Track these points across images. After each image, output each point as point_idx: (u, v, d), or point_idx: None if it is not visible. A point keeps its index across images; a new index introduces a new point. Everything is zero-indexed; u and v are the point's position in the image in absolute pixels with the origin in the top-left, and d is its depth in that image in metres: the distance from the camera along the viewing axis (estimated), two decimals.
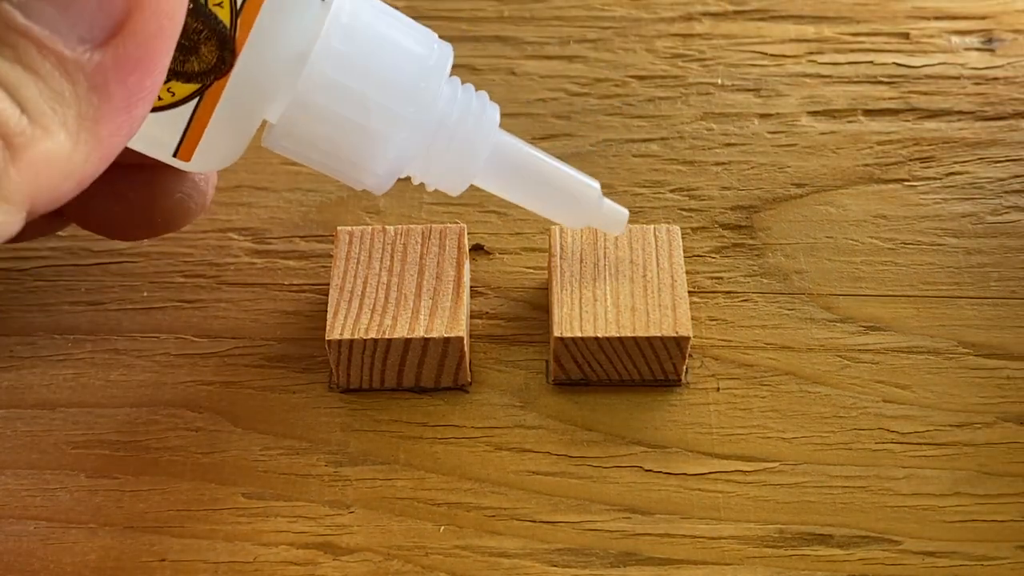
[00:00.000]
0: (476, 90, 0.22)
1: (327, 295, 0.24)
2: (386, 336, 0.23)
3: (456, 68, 0.21)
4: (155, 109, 0.18)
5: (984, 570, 0.22)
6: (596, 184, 0.23)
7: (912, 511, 0.23)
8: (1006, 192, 0.28)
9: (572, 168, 0.23)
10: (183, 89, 0.19)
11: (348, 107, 0.20)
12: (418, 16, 0.33)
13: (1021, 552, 0.22)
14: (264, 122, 0.20)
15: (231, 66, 0.19)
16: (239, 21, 0.18)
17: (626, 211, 0.24)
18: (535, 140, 0.30)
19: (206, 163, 0.20)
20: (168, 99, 0.19)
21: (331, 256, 0.26)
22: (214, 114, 0.19)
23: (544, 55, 0.32)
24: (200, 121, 0.19)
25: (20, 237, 0.25)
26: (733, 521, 0.23)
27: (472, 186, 0.23)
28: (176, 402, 0.24)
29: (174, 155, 0.20)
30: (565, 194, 0.23)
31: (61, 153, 0.16)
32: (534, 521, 0.23)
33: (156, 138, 0.19)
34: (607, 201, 0.24)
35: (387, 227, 0.25)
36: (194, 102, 0.19)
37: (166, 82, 0.18)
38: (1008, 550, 0.22)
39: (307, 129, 0.20)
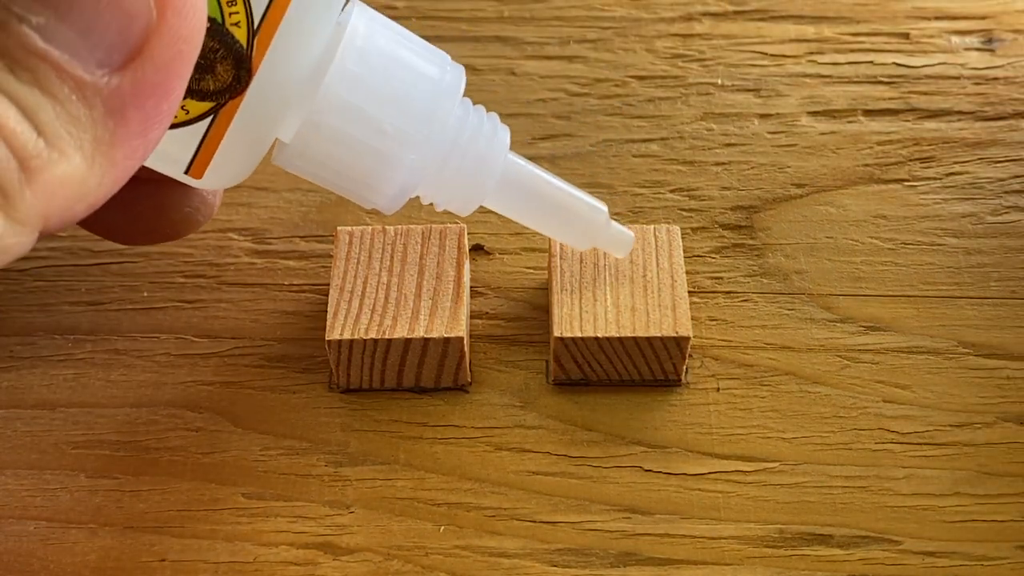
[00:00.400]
0: (487, 110, 0.22)
1: (327, 295, 0.24)
2: (386, 336, 0.23)
3: None
4: (169, 126, 0.19)
5: (984, 570, 0.22)
6: (604, 207, 0.24)
7: (912, 511, 0.23)
8: (1006, 192, 0.28)
9: (580, 191, 0.23)
10: (198, 107, 0.19)
11: (361, 129, 0.20)
12: (418, 16, 0.33)
13: (1021, 552, 0.22)
14: (275, 140, 0.21)
15: (247, 85, 0.19)
16: (256, 41, 0.18)
17: (632, 234, 0.24)
18: (535, 140, 0.30)
19: (217, 180, 0.20)
20: (182, 116, 0.19)
21: (331, 256, 0.26)
22: (227, 132, 0.19)
23: (544, 55, 0.32)
24: (213, 139, 0.19)
25: None
26: (733, 521, 0.23)
27: None
28: (176, 402, 0.24)
29: (186, 172, 0.20)
30: (573, 216, 0.23)
31: (76, 176, 0.16)
32: (534, 521, 0.23)
33: (169, 155, 0.19)
34: (614, 224, 0.24)
35: (387, 227, 0.25)
36: (208, 120, 0.19)
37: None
38: (1008, 550, 0.22)
39: (320, 150, 0.20)
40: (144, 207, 0.23)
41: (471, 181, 0.22)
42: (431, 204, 0.22)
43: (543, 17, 0.33)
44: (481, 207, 0.23)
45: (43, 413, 0.24)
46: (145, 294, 0.26)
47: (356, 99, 0.20)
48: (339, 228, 0.25)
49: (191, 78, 0.18)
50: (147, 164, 0.19)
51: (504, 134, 0.22)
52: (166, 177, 0.20)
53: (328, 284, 0.25)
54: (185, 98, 0.18)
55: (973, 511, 0.23)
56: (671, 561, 0.22)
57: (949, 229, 0.27)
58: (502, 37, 0.32)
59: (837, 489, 0.23)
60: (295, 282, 0.27)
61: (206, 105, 0.19)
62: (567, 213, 0.23)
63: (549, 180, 0.23)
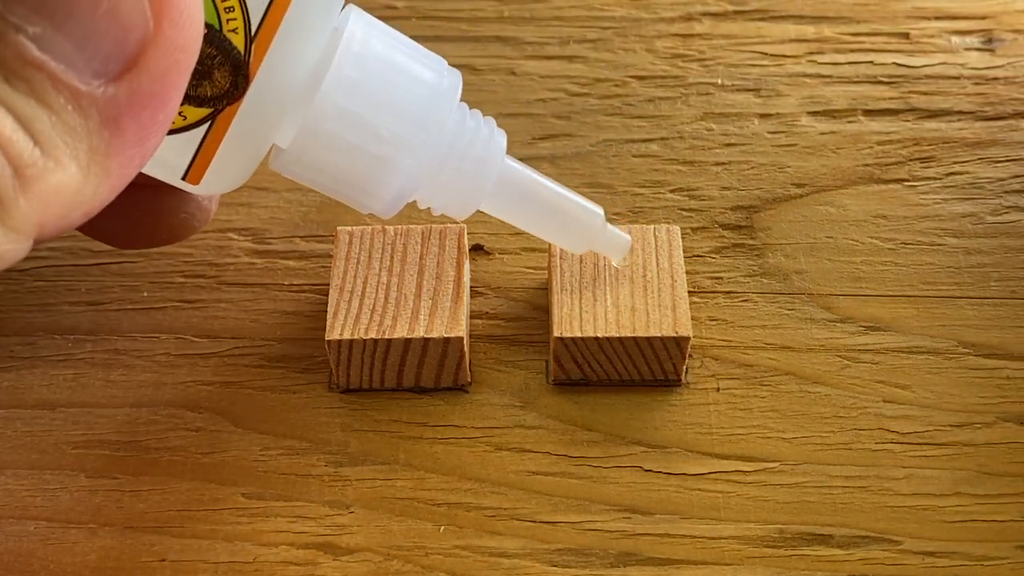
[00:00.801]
0: (487, 111, 0.22)
1: (327, 295, 0.24)
2: (386, 336, 0.23)
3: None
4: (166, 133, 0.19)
5: (984, 570, 0.22)
6: (600, 210, 0.24)
7: (912, 511, 0.23)
8: (1006, 192, 0.28)
9: (576, 194, 0.23)
10: (195, 113, 0.19)
11: (358, 134, 0.20)
12: (418, 16, 0.33)
13: (1021, 552, 0.22)
14: (272, 145, 0.21)
15: (244, 91, 0.19)
16: (253, 47, 0.18)
17: (629, 237, 0.24)
18: (535, 140, 0.30)
19: (214, 186, 0.20)
20: (180, 123, 0.19)
21: (331, 256, 0.26)
22: (225, 138, 0.19)
23: (544, 55, 0.32)
24: (211, 145, 0.19)
25: None
26: (733, 521, 0.23)
27: None
28: (176, 402, 0.24)
29: (183, 178, 0.20)
30: (569, 220, 0.23)
31: (71, 185, 0.16)
32: (534, 521, 0.23)
33: (166, 161, 0.19)
34: (610, 227, 0.24)
35: (387, 227, 0.25)
36: (205, 126, 0.19)
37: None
38: (1008, 550, 0.22)
39: (317, 156, 0.20)
40: (140, 212, 0.23)
41: (468, 185, 0.22)
42: (428, 208, 0.23)
43: (543, 17, 0.33)
44: (477, 211, 0.23)
45: (43, 413, 0.24)
46: (145, 294, 0.26)
47: (353, 105, 0.20)
48: (339, 228, 0.25)
49: (189, 84, 0.18)
50: (144, 170, 0.19)
51: (501, 138, 0.22)
52: (162, 183, 0.20)
53: (328, 284, 0.25)
54: (183, 104, 0.18)
55: (973, 511, 0.23)
56: (671, 561, 0.22)
57: (949, 229, 0.27)
58: (502, 37, 0.32)
59: (837, 489, 0.23)
60: (295, 282, 0.27)
61: (204, 111, 0.19)
62: (563, 217, 0.23)
63: (545, 184, 0.23)
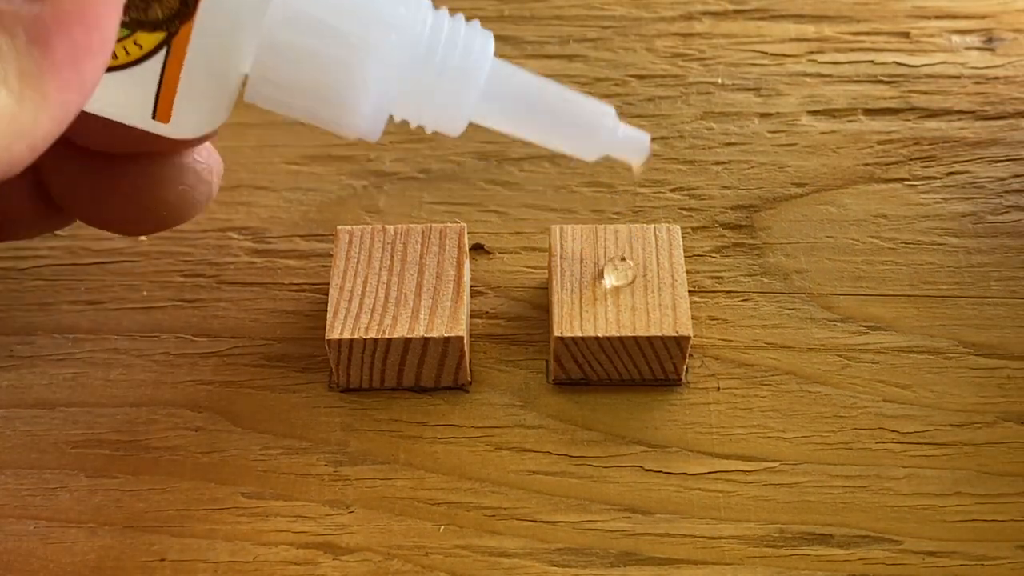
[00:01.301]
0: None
1: (327, 295, 0.24)
2: (386, 336, 0.23)
3: None
4: (124, 66, 0.18)
5: (984, 570, 0.22)
6: (611, 109, 0.21)
7: (912, 511, 0.23)
8: (1006, 192, 0.28)
9: (582, 94, 0.21)
10: (149, 40, 0.18)
11: (320, 40, 0.19)
12: None
13: (1021, 552, 0.22)
14: (244, 79, 0.20)
15: (195, 7, 0.18)
16: None
17: (647, 135, 0.22)
18: None
19: (187, 124, 0.19)
20: (136, 53, 0.18)
21: (331, 256, 0.26)
22: (184, 64, 0.18)
23: (544, 55, 0.32)
24: (171, 75, 0.18)
25: (19, 235, 0.25)
26: (733, 521, 0.23)
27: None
28: (176, 402, 0.24)
29: (153, 118, 0.19)
30: (576, 122, 0.21)
31: (5, 112, 0.15)
32: (534, 521, 0.23)
33: (129, 100, 0.19)
34: (624, 126, 0.22)
35: (387, 227, 0.25)
36: (162, 54, 0.18)
37: (131, 34, 0.17)
38: (1008, 550, 0.22)
39: (281, 72, 0.19)
40: (136, 186, 0.22)
41: (453, 92, 0.20)
42: (420, 130, 0.21)
43: (543, 16, 0.33)
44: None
45: (43, 413, 0.24)
46: (144, 293, 0.26)
47: (309, 7, 0.19)
48: (339, 227, 0.25)
49: (138, 8, 0.17)
50: (112, 117, 0.19)
51: (486, 38, 0.20)
52: (154, 152, 0.19)
53: (328, 283, 0.25)
54: (135, 31, 0.18)
55: (973, 511, 0.23)
56: (671, 561, 0.22)
57: (949, 229, 0.27)
58: (502, 36, 0.32)
59: (837, 489, 0.23)
60: (295, 281, 0.27)
61: (158, 36, 0.18)
62: (569, 119, 0.21)
63: (544, 83, 0.21)
